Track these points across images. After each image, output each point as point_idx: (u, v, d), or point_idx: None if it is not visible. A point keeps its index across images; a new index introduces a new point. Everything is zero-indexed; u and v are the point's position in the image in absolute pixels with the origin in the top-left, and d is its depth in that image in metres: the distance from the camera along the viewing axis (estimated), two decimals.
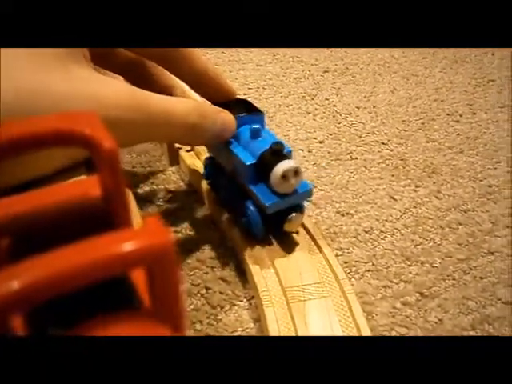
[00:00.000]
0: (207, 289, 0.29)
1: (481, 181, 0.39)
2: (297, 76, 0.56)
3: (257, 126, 0.28)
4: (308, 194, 0.28)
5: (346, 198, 0.37)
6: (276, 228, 0.29)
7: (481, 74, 0.58)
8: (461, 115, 0.49)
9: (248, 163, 0.27)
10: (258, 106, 0.31)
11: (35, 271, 0.08)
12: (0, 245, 0.11)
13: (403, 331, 0.27)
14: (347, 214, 0.35)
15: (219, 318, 0.27)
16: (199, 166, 0.36)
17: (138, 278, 0.12)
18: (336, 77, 0.56)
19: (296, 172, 0.26)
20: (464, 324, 0.28)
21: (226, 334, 0.26)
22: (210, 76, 0.29)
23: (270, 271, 0.28)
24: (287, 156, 0.27)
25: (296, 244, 0.30)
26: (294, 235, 0.30)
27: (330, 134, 0.45)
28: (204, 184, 0.34)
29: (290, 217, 0.28)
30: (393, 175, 0.40)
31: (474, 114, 0.49)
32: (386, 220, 0.35)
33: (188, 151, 0.39)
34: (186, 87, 0.32)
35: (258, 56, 0.60)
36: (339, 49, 0.63)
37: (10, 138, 0.11)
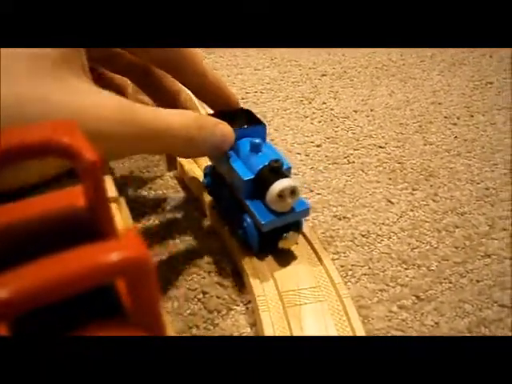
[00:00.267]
0: (204, 293, 0.29)
1: (478, 183, 0.40)
2: (295, 80, 0.56)
3: (257, 141, 0.27)
4: (305, 213, 0.28)
5: (343, 202, 0.37)
6: (271, 244, 0.29)
7: (479, 76, 0.58)
8: (458, 118, 0.49)
9: (246, 178, 0.27)
10: (255, 110, 0.32)
11: (19, 281, 0.08)
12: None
13: (399, 335, 0.27)
14: (344, 217, 0.35)
15: (216, 322, 0.27)
16: (197, 172, 0.36)
17: (123, 287, 0.12)
18: (334, 80, 0.56)
19: (293, 191, 0.26)
20: (460, 327, 0.28)
21: None
22: (211, 81, 0.29)
23: (267, 276, 0.28)
24: (285, 174, 0.27)
25: (292, 249, 0.30)
26: None
27: (328, 138, 0.45)
28: (203, 191, 0.34)
29: (285, 235, 0.28)
30: (390, 178, 0.40)
31: (472, 116, 0.50)
32: (383, 223, 0.35)
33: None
34: (190, 93, 0.32)
35: (256, 60, 0.60)
36: (337, 52, 0.63)
37: None
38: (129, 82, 0.34)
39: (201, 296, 0.29)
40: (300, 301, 0.27)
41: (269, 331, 0.25)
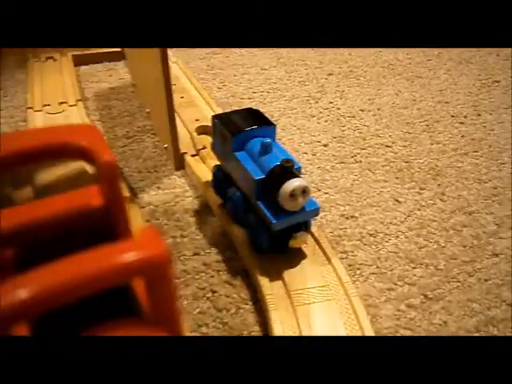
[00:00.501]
0: (213, 292, 0.29)
1: (485, 183, 0.40)
2: (301, 79, 0.56)
3: (268, 141, 0.28)
4: (315, 212, 0.28)
5: (351, 201, 0.37)
6: (281, 243, 0.29)
7: (485, 75, 0.58)
8: (465, 117, 0.49)
9: (256, 178, 0.27)
10: (262, 110, 0.32)
11: (40, 282, 0.09)
12: (5, 254, 0.11)
13: (407, 333, 0.27)
14: (351, 217, 0.36)
15: (225, 321, 0.28)
16: (205, 172, 0.37)
17: (140, 286, 0.12)
18: (340, 80, 0.56)
19: (304, 191, 0.26)
20: (468, 326, 0.28)
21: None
22: None
23: (276, 275, 0.28)
24: (296, 174, 0.27)
25: (301, 248, 0.30)
26: None
27: (335, 138, 0.45)
28: (211, 190, 0.35)
29: (296, 234, 0.28)
30: (397, 178, 0.40)
31: (479, 115, 0.49)
32: (391, 223, 0.35)
33: (193, 156, 0.39)
34: None
35: (263, 60, 0.60)
36: (344, 52, 0.63)
37: (9, 151, 0.11)
38: None
39: (210, 295, 0.29)
40: (309, 300, 0.27)
41: (278, 329, 0.25)
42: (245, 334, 0.27)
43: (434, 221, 0.35)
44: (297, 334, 0.25)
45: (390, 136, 0.46)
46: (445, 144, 0.45)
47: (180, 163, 0.39)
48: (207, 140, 0.40)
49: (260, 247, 0.29)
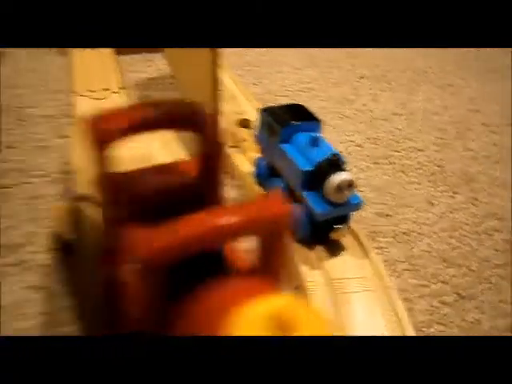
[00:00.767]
0: None
1: None
2: (335, 81, 0.57)
3: (317, 135, 0.29)
4: (358, 206, 0.29)
5: (385, 200, 0.38)
6: (322, 234, 0.30)
7: None
8: (497, 126, 0.50)
9: (304, 170, 0.28)
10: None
11: (182, 232, 0.10)
12: (133, 209, 0.13)
13: (441, 328, 0.28)
14: (386, 215, 0.37)
15: None
16: (246, 164, 0.38)
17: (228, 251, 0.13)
18: (373, 83, 0.57)
19: (350, 184, 0.27)
20: (501, 326, 0.29)
21: None
22: None
23: (316, 264, 0.29)
24: (343, 168, 0.28)
25: (340, 240, 0.31)
26: None
27: (368, 139, 0.46)
28: (251, 181, 0.36)
29: (337, 226, 0.29)
30: (430, 181, 0.41)
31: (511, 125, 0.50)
32: (424, 223, 0.36)
33: (232, 147, 0.40)
34: None
35: (296, 60, 0.61)
36: (375, 56, 0.64)
37: (135, 119, 0.13)
38: None
39: None
40: (348, 289, 0.28)
41: None
42: None
43: (467, 224, 0.36)
44: (337, 321, 0.26)
45: (423, 140, 0.47)
46: (477, 151, 0.45)
47: None
48: (247, 133, 0.41)
49: (301, 237, 0.30)
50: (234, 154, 0.39)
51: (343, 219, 0.30)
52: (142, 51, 0.59)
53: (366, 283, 0.28)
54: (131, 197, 0.13)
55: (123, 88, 0.49)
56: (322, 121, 0.31)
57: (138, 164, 0.16)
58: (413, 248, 0.34)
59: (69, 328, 0.27)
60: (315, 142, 0.29)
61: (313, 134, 0.29)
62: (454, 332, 0.28)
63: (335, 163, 0.28)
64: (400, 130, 0.48)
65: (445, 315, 0.29)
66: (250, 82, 0.55)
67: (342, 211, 0.29)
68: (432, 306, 0.30)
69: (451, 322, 0.29)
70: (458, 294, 0.30)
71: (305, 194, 0.29)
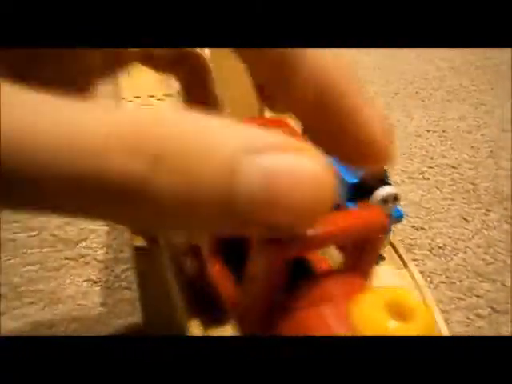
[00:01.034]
0: None
1: None
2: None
3: None
4: (400, 219, 0.31)
5: (420, 214, 0.39)
6: None
7: None
8: None
9: (350, 181, 0.30)
10: None
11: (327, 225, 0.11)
12: None
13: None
14: (421, 228, 0.38)
15: None
16: None
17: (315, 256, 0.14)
18: (406, 99, 0.58)
19: (395, 198, 0.29)
20: None
21: None
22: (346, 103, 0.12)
23: None
24: (388, 181, 0.30)
25: (380, 251, 0.32)
26: None
27: (403, 154, 0.47)
28: None
29: None
30: (464, 198, 0.42)
31: None
32: (459, 238, 0.37)
33: None
34: None
35: None
36: (408, 73, 0.65)
37: None
38: None
39: None
40: None
41: None
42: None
43: (501, 241, 0.37)
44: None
45: (456, 158, 0.48)
46: (510, 171, 0.46)
47: None
48: None
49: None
50: None
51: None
52: None
53: None
54: None
55: (169, 95, 0.51)
56: None
57: None
58: (448, 262, 0.35)
59: (125, 320, 0.29)
60: None
61: None
62: None
63: (381, 176, 0.29)
64: (433, 146, 0.49)
65: (479, 328, 0.30)
66: None
67: None
68: (468, 319, 0.31)
69: (486, 334, 0.30)
70: (493, 308, 0.32)
71: (349, 205, 0.31)
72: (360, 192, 0.30)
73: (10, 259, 0.32)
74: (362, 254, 0.13)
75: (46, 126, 0.07)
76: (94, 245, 0.34)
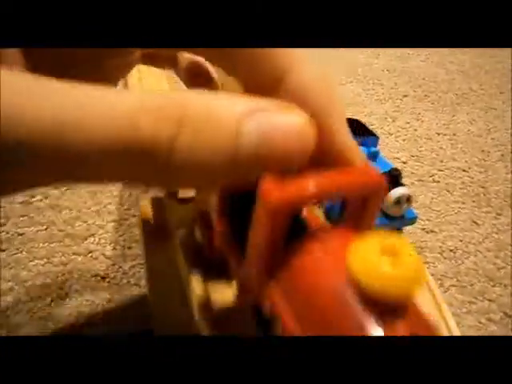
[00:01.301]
0: None
1: None
2: (378, 98, 0.58)
3: (376, 149, 0.30)
4: (412, 221, 0.30)
5: (430, 217, 0.39)
6: None
7: None
8: None
9: None
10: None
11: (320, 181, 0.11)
12: None
13: None
14: (431, 231, 0.37)
15: None
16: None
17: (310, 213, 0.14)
18: (415, 102, 0.58)
19: (408, 199, 0.29)
20: None
21: None
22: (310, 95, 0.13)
23: None
24: (401, 182, 0.29)
25: None
26: None
27: (413, 156, 0.47)
28: None
29: None
30: (474, 201, 0.42)
31: None
32: (469, 242, 0.37)
33: None
34: None
35: (339, 75, 0.63)
36: (418, 76, 0.65)
37: None
38: None
39: None
40: None
41: None
42: None
43: None
44: None
45: (466, 161, 0.47)
46: None
47: None
48: None
49: None
50: None
51: (397, 232, 0.31)
52: None
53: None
54: None
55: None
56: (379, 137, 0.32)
57: None
58: (459, 265, 0.35)
59: (133, 316, 0.29)
60: (374, 156, 0.30)
61: (372, 148, 0.30)
62: None
63: (395, 177, 0.29)
64: (444, 149, 0.49)
65: (492, 332, 0.30)
66: None
67: (397, 224, 0.30)
68: (480, 323, 0.30)
69: None
70: (505, 313, 0.31)
71: None
72: None
73: (17, 253, 0.32)
74: (362, 211, 0.13)
75: (93, 107, 0.09)
76: (102, 241, 0.33)
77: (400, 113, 0.55)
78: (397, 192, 0.28)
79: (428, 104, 0.58)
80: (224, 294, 0.17)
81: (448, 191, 0.43)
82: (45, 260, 0.32)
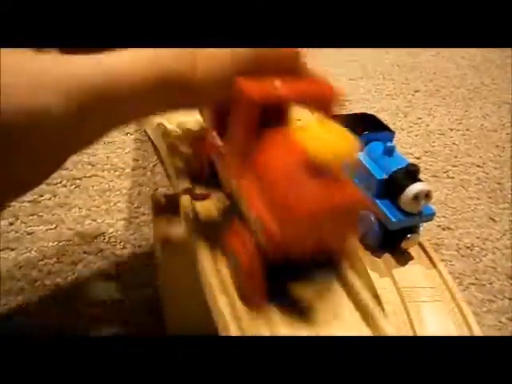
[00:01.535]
0: None
1: None
2: (389, 93, 0.57)
3: (392, 144, 0.29)
4: (431, 217, 0.29)
5: (446, 214, 0.38)
6: (392, 243, 0.30)
7: None
8: None
9: (379, 178, 0.29)
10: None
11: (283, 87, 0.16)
12: None
13: None
14: (448, 228, 0.37)
15: None
16: None
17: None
18: (427, 97, 0.57)
19: (427, 195, 0.28)
20: None
21: None
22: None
23: (385, 272, 0.30)
24: (419, 178, 0.28)
25: (407, 251, 0.31)
26: None
27: (426, 152, 0.46)
28: None
29: (409, 236, 0.29)
30: (490, 197, 0.41)
31: None
32: (487, 239, 0.36)
33: None
34: None
35: (350, 70, 0.62)
36: (429, 71, 0.64)
37: None
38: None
39: None
40: (418, 298, 0.28)
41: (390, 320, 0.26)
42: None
43: None
44: (409, 329, 0.26)
45: (481, 157, 0.46)
46: None
47: None
48: None
49: (372, 245, 0.31)
50: None
51: (412, 229, 0.30)
52: None
53: (435, 293, 0.28)
54: None
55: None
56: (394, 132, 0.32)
57: None
58: (477, 263, 0.34)
59: (143, 317, 0.28)
60: (390, 152, 0.29)
61: (388, 144, 0.29)
62: None
63: (413, 173, 0.28)
64: (457, 145, 0.48)
65: None
66: None
67: (415, 221, 0.29)
68: (500, 322, 0.29)
69: None
70: None
71: (379, 202, 0.29)
72: (389, 189, 0.29)
73: (27, 253, 0.31)
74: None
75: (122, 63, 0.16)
76: (112, 239, 0.33)
77: (412, 108, 0.54)
78: (415, 188, 0.27)
79: (440, 99, 0.57)
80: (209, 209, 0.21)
81: (463, 187, 0.42)
82: (54, 259, 0.31)
